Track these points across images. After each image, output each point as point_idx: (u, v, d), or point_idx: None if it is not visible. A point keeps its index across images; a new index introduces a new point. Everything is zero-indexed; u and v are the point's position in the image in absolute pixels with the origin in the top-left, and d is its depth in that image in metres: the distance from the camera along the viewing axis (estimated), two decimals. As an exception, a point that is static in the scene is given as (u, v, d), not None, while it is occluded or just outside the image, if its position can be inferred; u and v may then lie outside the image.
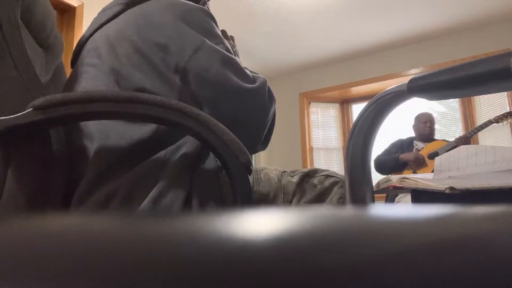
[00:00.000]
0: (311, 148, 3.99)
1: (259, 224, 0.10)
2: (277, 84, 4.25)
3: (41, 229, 0.11)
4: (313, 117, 4.12)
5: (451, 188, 0.48)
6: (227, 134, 0.56)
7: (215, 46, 0.65)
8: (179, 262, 0.09)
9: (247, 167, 0.55)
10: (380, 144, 2.68)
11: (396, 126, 3.53)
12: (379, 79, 3.64)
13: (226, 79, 0.63)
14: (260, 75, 0.70)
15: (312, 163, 3.92)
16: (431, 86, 0.39)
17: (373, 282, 0.08)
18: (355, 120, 0.46)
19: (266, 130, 0.70)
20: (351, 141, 0.46)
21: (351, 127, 0.47)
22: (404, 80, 0.53)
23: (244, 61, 3.81)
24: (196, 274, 0.09)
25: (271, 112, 0.69)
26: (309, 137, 3.99)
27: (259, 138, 0.69)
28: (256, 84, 0.66)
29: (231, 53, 0.68)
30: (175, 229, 0.10)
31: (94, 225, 0.11)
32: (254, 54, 3.67)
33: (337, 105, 4.17)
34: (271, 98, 0.69)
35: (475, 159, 0.64)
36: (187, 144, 0.62)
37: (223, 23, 3.09)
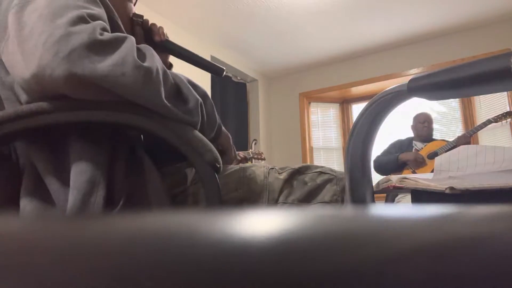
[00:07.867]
0: (311, 148, 3.99)
1: (258, 223, 0.10)
2: (277, 84, 4.24)
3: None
4: (313, 117, 4.11)
5: (451, 188, 0.48)
6: (188, 132, 0.52)
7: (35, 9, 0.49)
8: (175, 263, 0.09)
9: (213, 165, 0.52)
10: (379, 145, 2.68)
11: (395, 127, 3.53)
12: (379, 79, 3.64)
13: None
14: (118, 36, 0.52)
15: (312, 163, 3.91)
16: (431, 86, 0.39)
17: (373, 283, 0.08)
18: (355, 120, 0.46)
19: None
20: (351, 141, 0.46)
21: (351, 127, 0.47)
22: (404, 80, 0.53)
23: (244, 60, 3.81)
24: (193, 274, 0.09)
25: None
26: (309, 137, 3.99)
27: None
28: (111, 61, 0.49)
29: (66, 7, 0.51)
30: (172, 227, 0.10)
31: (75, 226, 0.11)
32: (254, 54, 3.66)
33: (337, 105, 4.16)
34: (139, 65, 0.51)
35: (475, 159, 0.64)
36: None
37: (223, 23, 3.09)
